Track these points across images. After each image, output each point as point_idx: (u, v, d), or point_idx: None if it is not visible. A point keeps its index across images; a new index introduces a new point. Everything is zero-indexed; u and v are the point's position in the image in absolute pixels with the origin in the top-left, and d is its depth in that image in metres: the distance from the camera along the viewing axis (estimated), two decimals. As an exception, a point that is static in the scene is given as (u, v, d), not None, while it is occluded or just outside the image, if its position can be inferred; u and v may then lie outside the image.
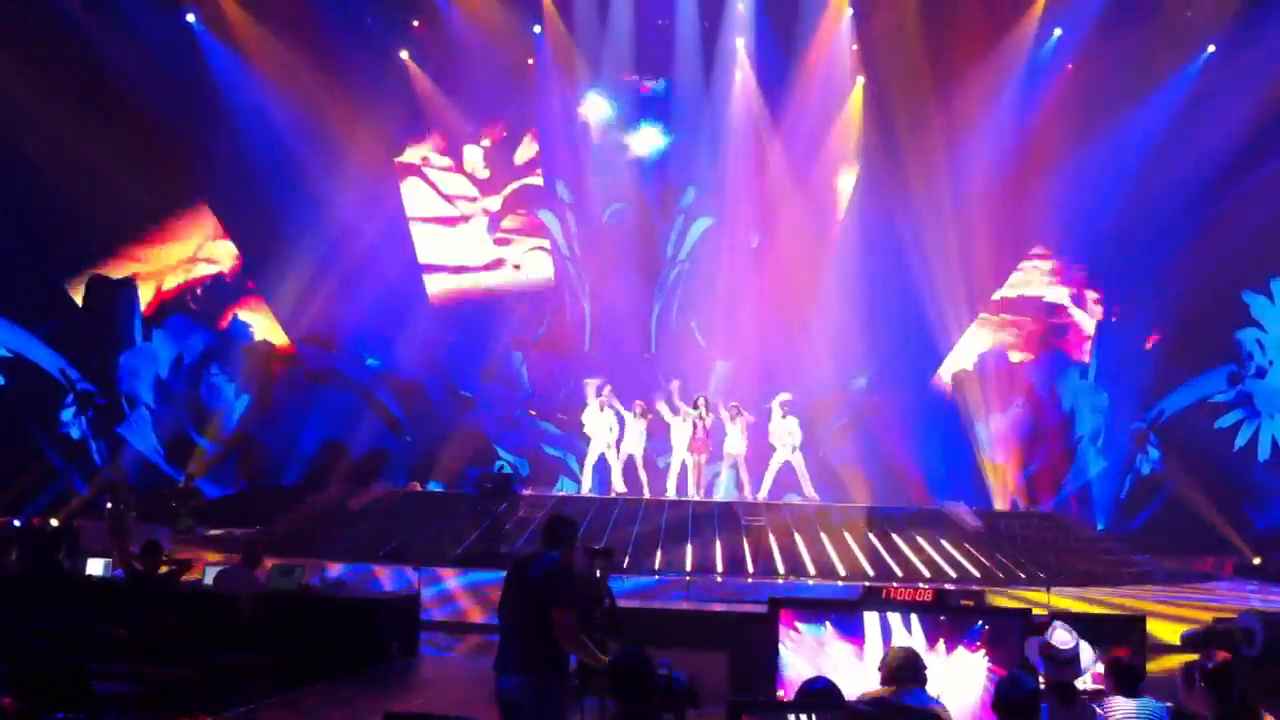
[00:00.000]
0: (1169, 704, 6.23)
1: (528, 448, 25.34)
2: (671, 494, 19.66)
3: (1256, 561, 21.28)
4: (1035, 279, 26.13)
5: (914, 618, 6.77)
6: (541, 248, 26.61)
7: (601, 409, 20.11)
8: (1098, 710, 6.13)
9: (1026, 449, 24.81)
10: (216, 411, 25.48)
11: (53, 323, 24.82)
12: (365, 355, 26.03)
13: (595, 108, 26.08)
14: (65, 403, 24.63)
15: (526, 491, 20.24)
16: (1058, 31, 24.29)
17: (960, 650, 6.60)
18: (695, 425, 19.66)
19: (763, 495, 19.65)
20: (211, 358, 25.91)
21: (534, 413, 25.30)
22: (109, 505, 19.20)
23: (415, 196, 26.67)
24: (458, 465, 24.29)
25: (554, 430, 25.04)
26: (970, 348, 25.82)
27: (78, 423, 24.60)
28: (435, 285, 26.48)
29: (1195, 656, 6.49)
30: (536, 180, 26.61)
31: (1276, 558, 21.20)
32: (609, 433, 20.03)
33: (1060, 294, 26.14)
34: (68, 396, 24.73)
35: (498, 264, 26.68)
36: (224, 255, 26.42)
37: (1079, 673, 6.14)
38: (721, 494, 20.59)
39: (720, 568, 16.91)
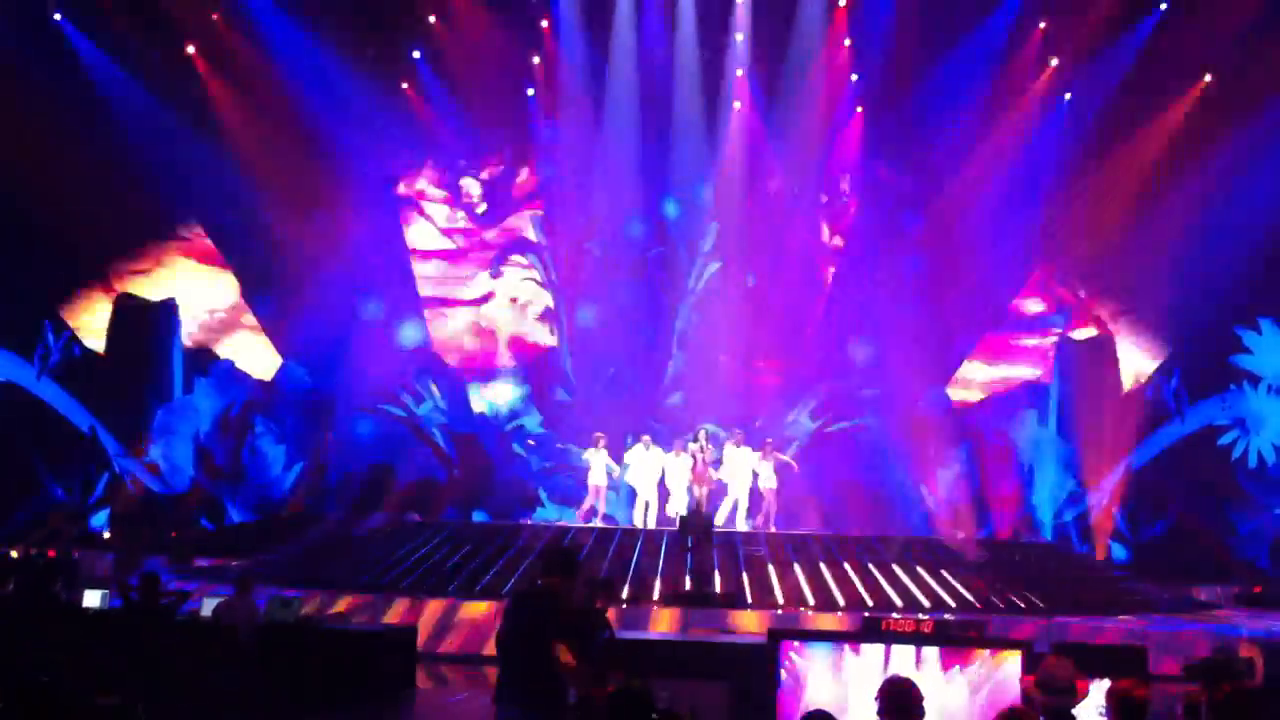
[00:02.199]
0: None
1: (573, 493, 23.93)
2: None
3: (1257, 590, 21.23)
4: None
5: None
6: (533, 279, 26.61)
7: (648, 448, 20.41)
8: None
9: (976, 513, 24.05)
10: (263, 485, 24.04)
11: (73, 353, 23.75)
12: (416, 400, 25.26)
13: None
14: (99, 485, 23.11)
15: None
16: (1054, 60, 24.63)
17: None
18: (695, 458, 19.66)
19: (720, 521, 19.70)
20: (255, 410, 24.43)
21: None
22: (107, 535, 19.18)
23: (413, 231, 26.69)
24: (506, 501, 24.05)
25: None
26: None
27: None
28: (437, 326, 26.34)
29: (1198, 687, 6.47)
30: (528, 217, 26.66)
31: (1277, 586, 21.19)
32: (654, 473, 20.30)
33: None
34: (102, 477, 23.18)
35: (490, 297, 26.71)
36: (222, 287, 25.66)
37: (1075, 702, 6.12)
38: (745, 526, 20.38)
39: (719, 598, 16.81)
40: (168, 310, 24.50)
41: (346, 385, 25.00)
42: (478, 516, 23.28)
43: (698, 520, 16.86)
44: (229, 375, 24.51)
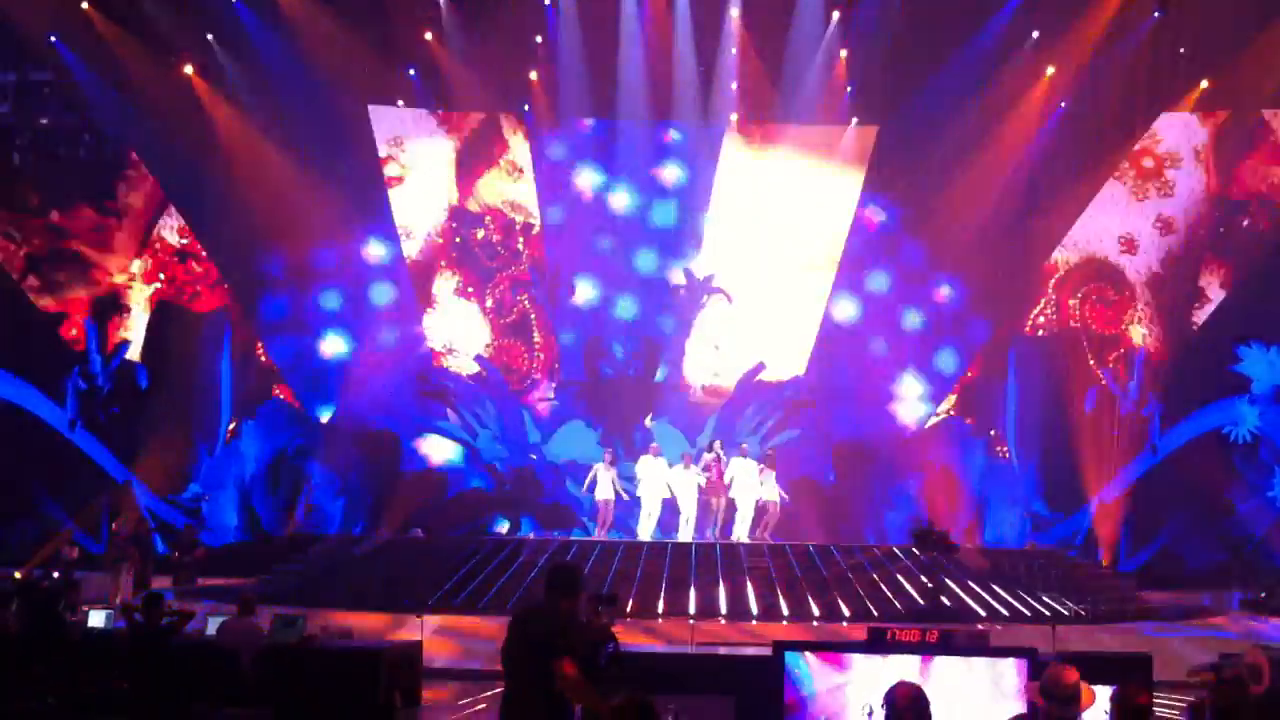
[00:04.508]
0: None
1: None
2: (686, 537, 19.73)
3: (1262, 596, 21.21)
4: None
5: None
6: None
7: (655, 458, 20.59)
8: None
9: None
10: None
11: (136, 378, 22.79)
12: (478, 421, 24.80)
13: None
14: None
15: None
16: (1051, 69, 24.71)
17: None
18: (710, 469, 19.79)
19: (760, 537, 19.72)
20: (309, 455, 23.06)
21: None
22: (107, 554, 19.03)
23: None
24: (552, 520, 23.85)
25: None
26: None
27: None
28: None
29: (1203, 694, 6.46)
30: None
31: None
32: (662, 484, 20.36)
33: None
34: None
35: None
36: None
37: (1080, 710, 6.10)
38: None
39: (724, 611, 16.82)
40: (216, 322, 23.74)
41: (400, 418, 24.55)
42: (525, 529, 23.38)
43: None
44: (280, 416, 23.29)
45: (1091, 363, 25.53)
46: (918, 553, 17.00)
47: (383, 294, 25.74)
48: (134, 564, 19.02)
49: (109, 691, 9.42)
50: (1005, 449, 25.10)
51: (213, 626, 12.46)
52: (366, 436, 23.95)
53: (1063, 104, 24.81)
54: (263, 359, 24.98)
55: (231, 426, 23.88)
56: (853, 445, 24.77)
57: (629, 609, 16.23)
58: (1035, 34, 24.19)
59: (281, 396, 24.29)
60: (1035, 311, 26.21)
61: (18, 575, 18.28)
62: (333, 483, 23.51)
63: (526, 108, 26.14)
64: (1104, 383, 25.11)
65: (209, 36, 24.19)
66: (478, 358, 25.73)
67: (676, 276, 26.08)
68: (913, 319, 25.75)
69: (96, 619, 13.36)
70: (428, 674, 13.81)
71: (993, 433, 25.33)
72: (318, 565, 19.92)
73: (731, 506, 20.27)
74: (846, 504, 23.86)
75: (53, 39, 23.48)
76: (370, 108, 25.67)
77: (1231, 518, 24.16)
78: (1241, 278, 25.37)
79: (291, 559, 20.61)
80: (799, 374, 25.54)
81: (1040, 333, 26.02)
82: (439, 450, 24.85)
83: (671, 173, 26.31)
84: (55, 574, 18.56)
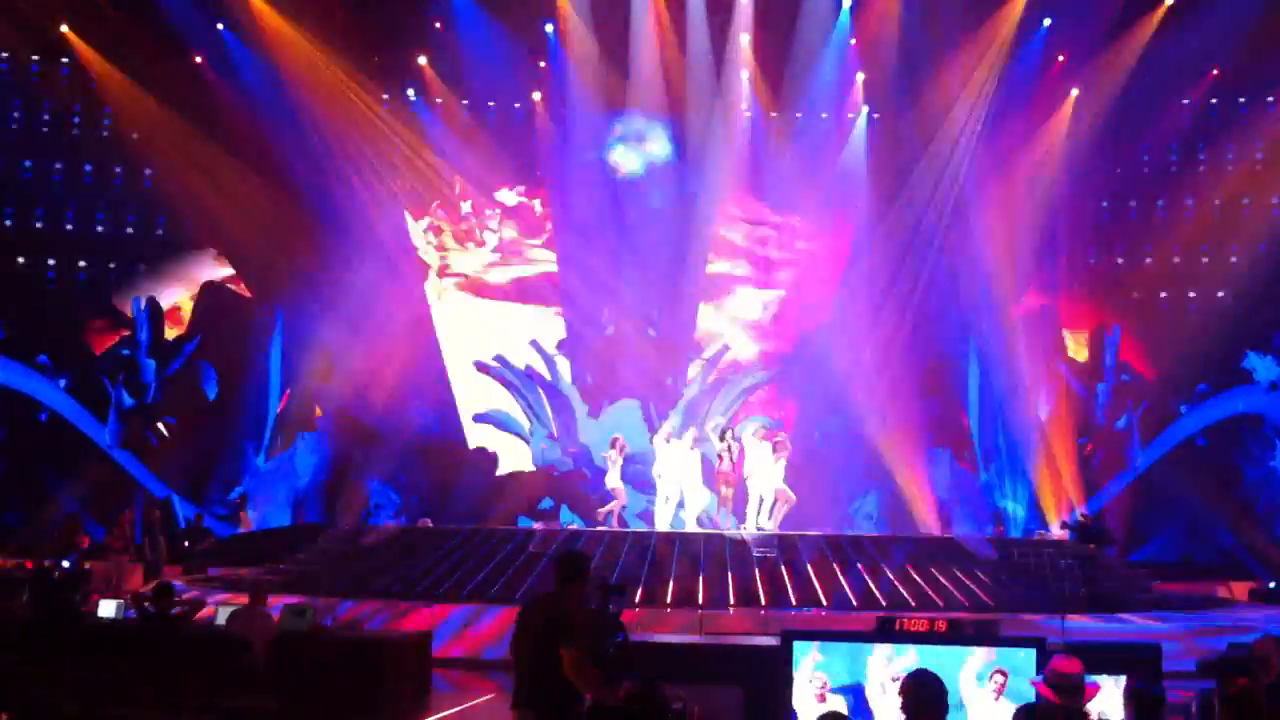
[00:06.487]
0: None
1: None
2: (690, 526, 19.67)
3: (1271, 586, 21.18)
4: None
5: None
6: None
7: (668, 440, 20.36)
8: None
9: None
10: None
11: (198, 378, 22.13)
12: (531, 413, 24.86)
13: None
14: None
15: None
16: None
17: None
18: (721, 458, 19.67)
19: (772, 526, 19.65)
20: (370, 470, 22.22)
21: None
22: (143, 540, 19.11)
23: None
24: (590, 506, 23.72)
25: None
26: None
27: None
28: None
29: (1212, 684, 6.45)
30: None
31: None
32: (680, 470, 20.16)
33: None
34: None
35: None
36: None
37: (1084, 701, 6.10)
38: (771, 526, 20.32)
39: (733, 600, 16.80)
40: (267, 313, 23.09)
41: (451, 412, 24.25)
42: (565, 517, 23.57)
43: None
44: (337, 429, 22.51)
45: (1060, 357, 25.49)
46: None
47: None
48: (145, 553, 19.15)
49: (120, 681, 9.44)
50: (969, 456, 24.93)
51: (223, 616, 12.51)
52: (424, 447, 23.43)
53: (1075, 90, 24.75)
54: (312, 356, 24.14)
55: (276, 423, 23.26)
56: (817, 453, 24.53)
57: (637, 598, 16.21)
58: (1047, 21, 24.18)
59: (327, 412, 23.44)
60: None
61: (28, 565, 18.37)
62: (393, 500, 23.10)
63: (538, 96, 26.16)
64: (1063, 379, 25.01)
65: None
66: (532, 342, 25.78)
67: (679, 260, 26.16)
68: (884, 320, 25.62)
69: (107, 609, 13.41)
70: (436, 663, 13.85)
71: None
72: (327, 554, 19.94)
73: (741, 495, 20.15)
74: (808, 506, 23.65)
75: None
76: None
77: (1239, 484, 24.55)
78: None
79: (302, 548, 20.65)
80: (762, 362, 25.94)
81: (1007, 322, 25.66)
82: (492, 439, 24.91)
83: (678, 159, 26.29)
84: (66, 563, 18.65)
